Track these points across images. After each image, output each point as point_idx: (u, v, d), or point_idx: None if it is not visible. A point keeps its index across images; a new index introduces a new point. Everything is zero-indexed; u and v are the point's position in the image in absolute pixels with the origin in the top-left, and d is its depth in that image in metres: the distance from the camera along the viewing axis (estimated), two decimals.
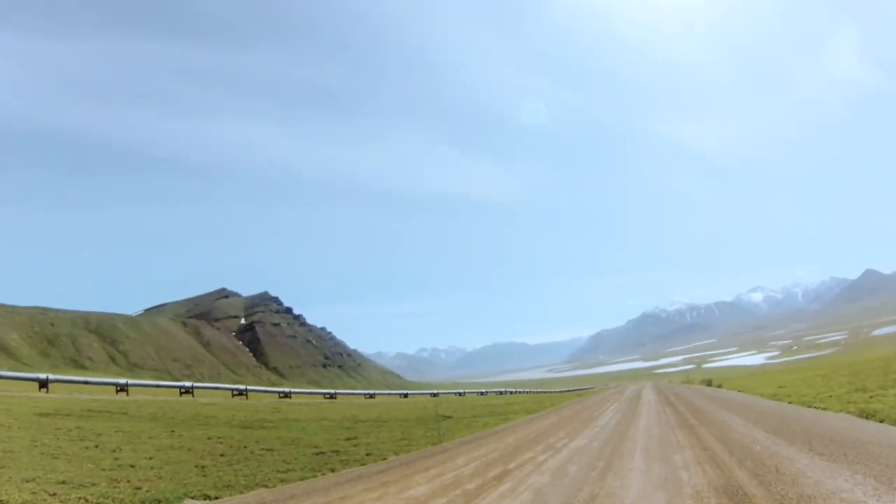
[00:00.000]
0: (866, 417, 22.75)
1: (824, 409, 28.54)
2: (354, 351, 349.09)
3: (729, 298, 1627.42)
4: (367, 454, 24.64)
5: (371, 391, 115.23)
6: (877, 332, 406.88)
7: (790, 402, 35.42)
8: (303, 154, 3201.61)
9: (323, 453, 24.90)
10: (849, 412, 25.03)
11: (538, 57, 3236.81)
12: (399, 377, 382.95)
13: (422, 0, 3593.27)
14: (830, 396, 34.36)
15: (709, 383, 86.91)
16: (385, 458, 23.45)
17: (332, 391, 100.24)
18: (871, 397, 29.68)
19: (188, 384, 71.60)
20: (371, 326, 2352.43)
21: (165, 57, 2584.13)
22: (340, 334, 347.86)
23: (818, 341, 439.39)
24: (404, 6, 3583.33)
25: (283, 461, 22.31)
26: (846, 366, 74.66)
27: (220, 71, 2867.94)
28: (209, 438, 27.52)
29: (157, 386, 77.39)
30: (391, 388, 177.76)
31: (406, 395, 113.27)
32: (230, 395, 72.42)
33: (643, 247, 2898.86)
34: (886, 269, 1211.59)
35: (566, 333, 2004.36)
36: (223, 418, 39.03)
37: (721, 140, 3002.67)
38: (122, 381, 64.70)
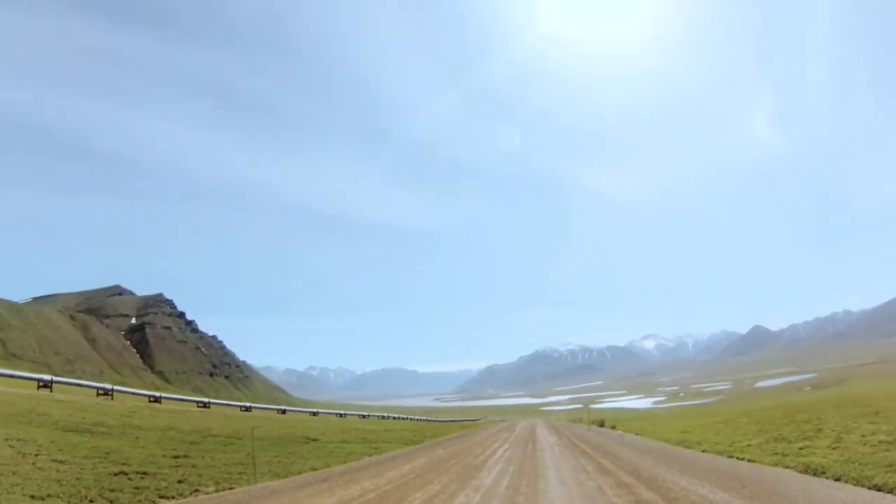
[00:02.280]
0: (814, 474, 20.06)
1: (751, 460, 25.45)
2: (243, 363, 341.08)
3: (622, 343, 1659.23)
4: (180, 481, 19.98)
5: (248, 404, 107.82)
6: (759, 384, 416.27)
7: (703, 451, 31.78)
8: (219, 160, 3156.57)
9: (125, 474, 20.23)
10: (787, 467, 22.20)
11: (473, 97, 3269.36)
12: (285, 393, 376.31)
13: (373, 30, 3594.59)
14: (749, 446, 31.24)
15: (601, 423, 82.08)
16: (196, 491, 18.96)
17: (206, 400, 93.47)
18: (800, 449, 26.86)
19: (47, 377, 64.83)
20: (263, 340, 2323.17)
21: (82, 35, 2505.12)
22: (231, 345, 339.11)
23: (704, 389, 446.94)
24: (355, 32, 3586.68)
25: (62, 480, 17.59)
26: (742, 413, 71.45)
27: (140, 59, 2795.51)
28: (6, 440, 23.00)
29: (12, 376, 69.21)
30: (278, 404, 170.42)
31: (284, 412, 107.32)
32: (95, 394, 66.40)
33: (544, 285, 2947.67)
34: (773, 327, 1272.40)
35: (458, 364, 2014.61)
36: (56, 417, 34.46)
37: (634, 190, 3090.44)
38: (47, 377, 62.37)
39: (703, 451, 31.20)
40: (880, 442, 25.77)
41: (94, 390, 69.75)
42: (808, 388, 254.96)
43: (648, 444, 41.21)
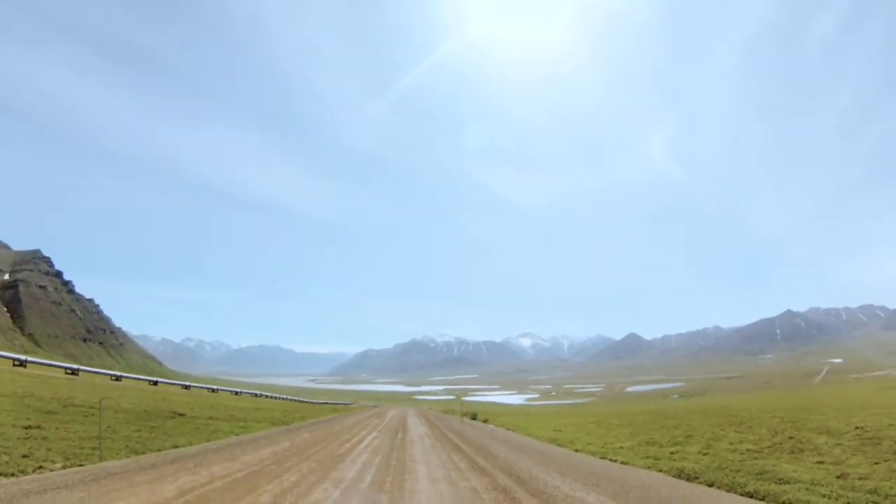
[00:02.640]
0: (687, 479, 20.21)
1: (623, 462, 25.56)
2: (119, 329, 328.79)
3: (498, 339, 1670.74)
4: (24, 455, 18.35)
5: (118, 373, 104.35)
6: (630, 388, 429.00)
7: (576, 451, 31.62)
8: (116, 118, 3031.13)
9: None
10: (660, 470, 22.31)
11: (387, 87, 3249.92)
12: (160, 364, 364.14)
13: (298, 18, 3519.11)
14: (621, 448, 31.45)
15: (473, 416, 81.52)
16: (41, 468, 16.94)
17: (76, 367, 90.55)
18: (672, 453, 27.40)
19: None
20: (140, 306, 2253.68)
21: None
22: (108, 309, 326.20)
23: (576, 390, 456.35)
24: (280, 16, 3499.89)
25: None
26: (613, 415, 72.67)
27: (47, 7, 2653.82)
28: None
29: None
30: (152, 374, 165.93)
31: (156, 384, 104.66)
32: None
33: (426, 276, 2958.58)
34: (647, 336, 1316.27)
35: (334, 347, 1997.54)
36: None
37: (531, 195, 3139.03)
38: None
39: (576, 451, 31.13)
40: (748, 450, 26.47)
41: None
42: (676, 395, 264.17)
43: (522, 440, 40.40)
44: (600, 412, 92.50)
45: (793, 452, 25.07)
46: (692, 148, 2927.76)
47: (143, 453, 22.10)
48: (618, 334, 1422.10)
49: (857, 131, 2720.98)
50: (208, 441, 28.87)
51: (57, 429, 25.00)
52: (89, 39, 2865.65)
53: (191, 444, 26.97)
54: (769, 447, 27.17)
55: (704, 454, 26.21)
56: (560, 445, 34.78)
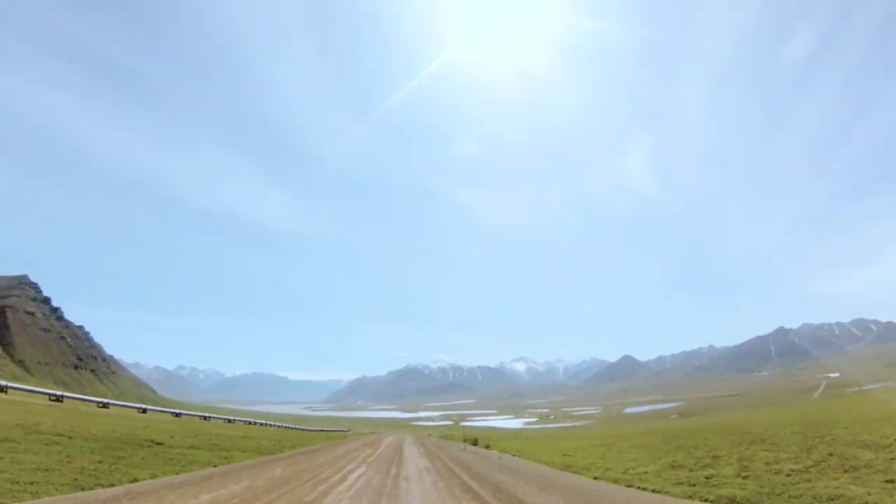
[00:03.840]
0: None
1: (656, 490, 22.20)
2: (110, 357, 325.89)
3: (493, 364, 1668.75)
4: None
5: (105, 400, 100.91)
6: (627, 409, 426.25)
7: (595, 478, 27.97)
8: (95, 137, 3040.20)
9: None
10: (706, 500, 19.27)
11: (364, 103, 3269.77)
12: (153, 391, 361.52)
13: (274, 33, 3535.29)
14: (646, 473, 27.83)
15: (475, 442, 78.50)
16: None
17: (60, 393, 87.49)
18: (707, 479, 23.93)
19: None
20: (133, 335, 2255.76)
21: None
22: (99, 337, 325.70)
23: (574, 413, 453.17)
24: (256, 32, 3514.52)
25: None
26: (619, 437, 69.23)
27: (23, 19, 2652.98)
28: None
29: None
30: (145, 402, 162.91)
31: (145, 411, 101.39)
32: None
33: (419, 302, 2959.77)
34: (642, 357, 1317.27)
35: (328, 374, 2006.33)
36: None
37: (515, 218, 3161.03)
38: None
39: (595, 479, 27.49)
40: (792, 470, 23.40)
41: None
42: (675, 415, 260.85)
43: (537, 470, 33.56)
44: (604, 434, 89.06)
45: (847, 471, 21.90)
46: (671, 167, 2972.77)
47: (91, 488, 19.13)
48: (612, 356, 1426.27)
49: (834, 144, 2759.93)
50: (177, 474, 25.53)
51: (1, 459, 22.11)
52: (75, 60, 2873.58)
53: (154, 476, 23.89)
54: (814, 466, 23.94)
55: (744, 477, 23.03)
56: (576, 472, 30.89)
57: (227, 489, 21.80)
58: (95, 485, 20.02)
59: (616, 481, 25.65)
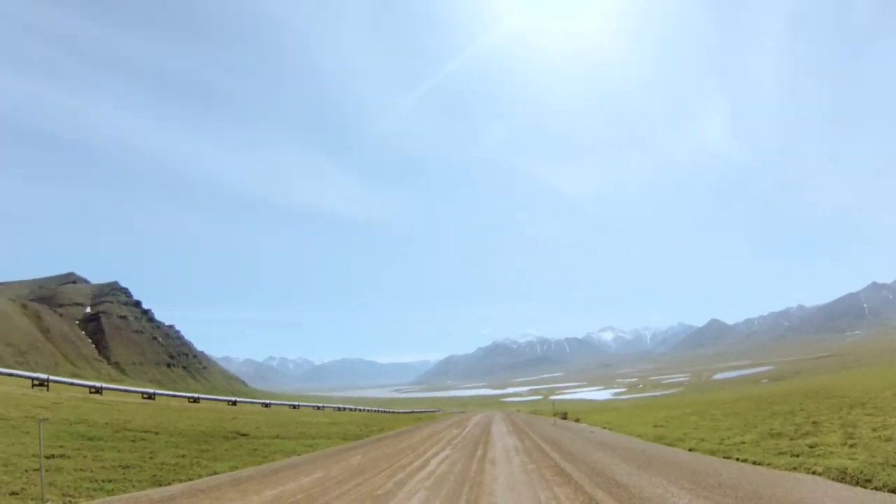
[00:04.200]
0: (860, 484, 15.00)
1: (757, 462, 20.38)
2: (201, 353, 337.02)
3: (580, 335, 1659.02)
4: (13, 493, 15.37)
5: (196, 395, 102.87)
6: (717, 375, 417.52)
7: (690, 450, 26.45)
8: (171, 147, 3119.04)
9: None
10: (814, 473, 17.18)
11: (427, 89, 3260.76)
12: (244, 384, 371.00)
13: (321, 18, 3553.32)
14: (742, 443, 26.01)
15: (564, 416, 77.39)
16: None
17: (152, 391, 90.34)
18: (810, 447, 21.82)
19: None
20: (222, 330, 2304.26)
21: (41, 22, 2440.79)
22: (189, 335, 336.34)
23: (663, 381, 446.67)
24: (302, 19, 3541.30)
25: None
26: (710, 405, 67.07)
27: (96, 47, 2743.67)
28: None
29: None
30: (236, 395, 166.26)
31: (234, 403, 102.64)
32: (30, 385, 63.58)
33: (502, 278, 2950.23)
34: (730, 321, 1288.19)
35: (416, 356, 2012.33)
36: None
37: (590, 186, 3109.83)
38: None
39: (690, 450, 26.05)
40: None
41: (30, 381, 65.69)
42: (765, 380, 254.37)
43: (630, 444, 31.84)
44: (695, 402, 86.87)
45: None
46: (748, 122, 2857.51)
47: (169, 483, 19.07)
48: (699, 321, 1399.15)
49: None
50: (258, 465, 25.27)
51: (84, 457, 22.35)
52: (146, 77, 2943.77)
53: (235, 468, 23.75)
54: None
55: (851, 446, 20.84)
56: (669, 445, 29.27)
57: (296, 482, 20.55)
58: (174, 480, 19.96)
59: (712, 453, 24.03)
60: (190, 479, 20.16)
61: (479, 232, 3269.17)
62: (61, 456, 21.91)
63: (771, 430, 29.05)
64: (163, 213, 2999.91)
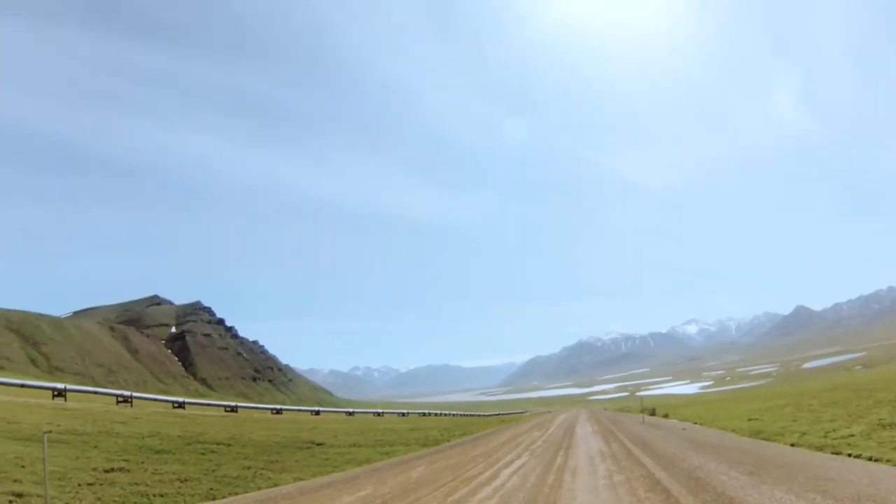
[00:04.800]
0: None
1: (874, 459, 17.89)
2: (286, 366, 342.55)
3: (664, 330, 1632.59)
4: None
5: (278, 406, 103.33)
6: (806, 364, 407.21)
7: (792, 445, 23.93)
8: (244, 166, 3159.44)
9: None
10: None
11: (490, 84, 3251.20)
12: (330, 394, 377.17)
13: (385, 26, 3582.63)
14: (851, 436, 23.27)
15: (652, 412, 74.56)
16: None
17: (234, 404, 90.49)
18: None
19: (60, 386, 62.50)
20: (306, 342, 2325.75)
21: (106, 55, 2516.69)
22: (274, 349, 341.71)
23: (750, 372, 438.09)
24: (367, 29, 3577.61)
25: None
26: (805, 395, 63.88)
27: (162, 74, 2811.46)
28: None
29: (24, 385, 65.64)
30: (322, 405, 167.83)
31: (317, 413, 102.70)
32: (115, 402, 64.39)
33: (582, 275, 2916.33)
34: (816, 306, 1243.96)
35: (501, 358, 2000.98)
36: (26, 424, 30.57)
37: (659, 172, 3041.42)
38: (61, 385, 61.80)
39: (793, 445, 23.39)
40: None
41: (114, 398, 66.63)
42: (859, 367, 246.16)
43: (730, 443, 27.79)
44: (787, 392, 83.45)
45: None
46: (821, 91, 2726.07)
47: (223, 497, 18.04)
48: (785, 308, 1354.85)
49: None
50: (330, 474, 24.37)
51: (145, 471, 21.90)
52: (217, 99, 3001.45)
53: (300, 479, 22.93)
54: None
55: None
56: (766, 438, 26.82)
57: (339, 501, 17.86)
58: (229, 493, 19.15)
59: (819, 448, 21.44)
60: (246, 492, 19.23)
61: (550, 229, 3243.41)
62: (121, 469, 21.52)
63: (880, 420, 26.24)
64: (241, 231, 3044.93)
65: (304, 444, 36.05)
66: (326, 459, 29.30)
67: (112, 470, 21.00)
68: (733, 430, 34.43)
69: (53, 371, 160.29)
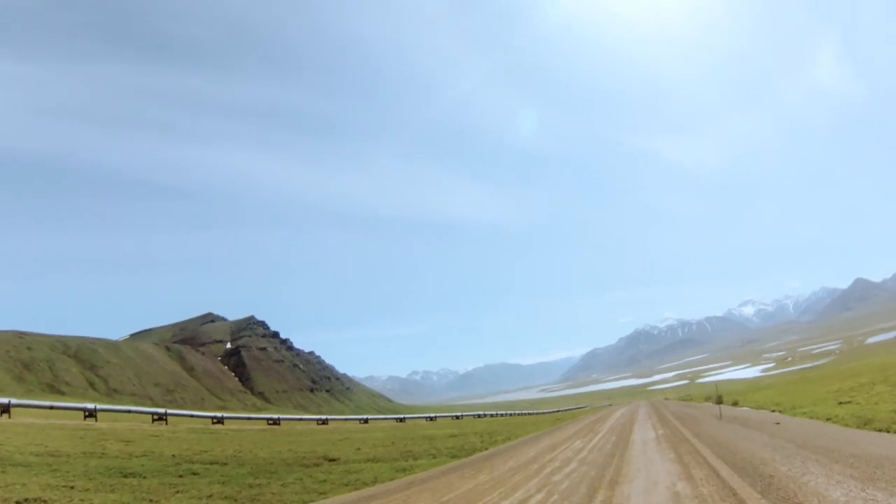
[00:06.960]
0: None
1: None
2: (344, 375, 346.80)
3: (720, 313, 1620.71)
4: None
5: (323, 416, 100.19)
6: (871, 339, 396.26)
7: None
8: (289, 178, 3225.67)
9: None
10: None
11: (527, 77, 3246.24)
12: (389, 400, 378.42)
13: (414, 26, 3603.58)
14: None
15: (719, 400, 67.44)
16: None
17: (276, 416, 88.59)
18: None
19: (90, 406, 60.52)
20: (362, 350, 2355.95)
21: (156, 83, 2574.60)
22: (330, 359, 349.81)
23: (813, 351, 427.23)
24: (397, 32, 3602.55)
25: None
26: (886, 369, 57.70)
27: (201, 94, 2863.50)
28: None
29: (52, 407, 64.25)
30: (381, 412, 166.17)
31: (366, 421, 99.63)
32: (150, 420, 63.04)
33: (634, 264, 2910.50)
34: (876, 278, 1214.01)
35: (559, 353, 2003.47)
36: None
37: (704, 154, 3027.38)
38: (91, 405, 60.76)
39: None
40: None
41: (150, 416, 65.29)
42: None
43: (856, 446, 18.86)
44: (863, 369, 76.79)
45: None
46: (861, 54, 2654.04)
47: None
48: (843, 282, 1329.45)
49: None
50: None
51: (70, 501, 17.75)
52: (263, 115, 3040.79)
53: None
54: None
55: None
56: (877, 429, 21.05)
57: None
58: None
59: None
60: None
61: (604, 218, 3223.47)
62: (36, 499, 17.32)
63: None
64: (291, 244, 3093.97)
65: (314, 460, 30.92)
66: (323, 481, 23.31)
67: (27, 500, 17.15)
68: (828, 419, 27.79)
69: (112, 393, 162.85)
